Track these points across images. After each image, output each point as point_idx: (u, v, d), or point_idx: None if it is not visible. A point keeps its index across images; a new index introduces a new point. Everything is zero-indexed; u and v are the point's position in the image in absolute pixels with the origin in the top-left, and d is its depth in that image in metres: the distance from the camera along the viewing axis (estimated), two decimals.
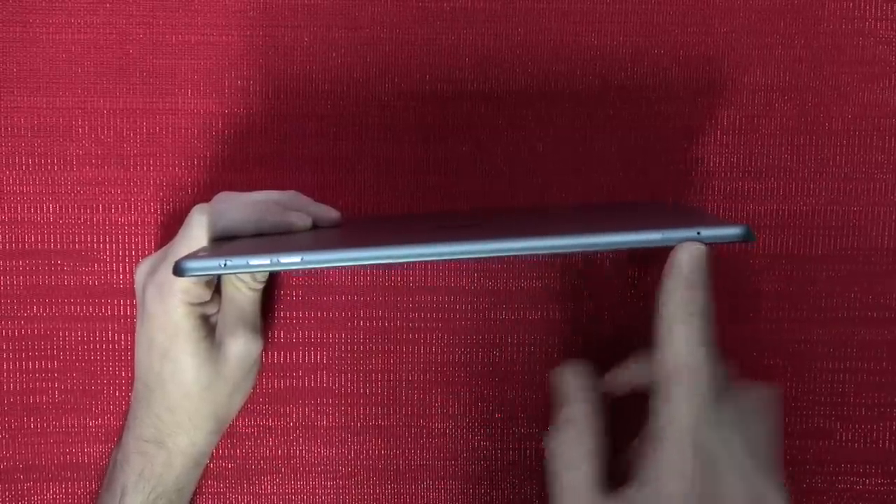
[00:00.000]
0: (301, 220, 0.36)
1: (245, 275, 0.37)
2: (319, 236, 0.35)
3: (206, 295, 0.37)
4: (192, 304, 0.36)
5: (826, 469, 0.44)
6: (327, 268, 0.30)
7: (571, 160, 0.43)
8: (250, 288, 0.38)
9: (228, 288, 0.38)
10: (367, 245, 0.28)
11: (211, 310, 0.38)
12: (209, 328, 0.37)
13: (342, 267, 0.29)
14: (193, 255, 0.30)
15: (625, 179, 0.43)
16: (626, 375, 0.36)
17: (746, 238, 0.29)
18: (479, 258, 0.28)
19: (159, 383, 0.37)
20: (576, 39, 0.42)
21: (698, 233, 0.29)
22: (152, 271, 0.37)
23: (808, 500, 0.44)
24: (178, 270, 0.29)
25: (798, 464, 0.44)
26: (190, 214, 0.36)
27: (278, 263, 0.29)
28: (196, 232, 0.35)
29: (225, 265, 0.29)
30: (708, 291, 0.30)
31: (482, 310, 0.43)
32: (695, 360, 0.30)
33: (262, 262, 0.29)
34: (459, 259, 0.29)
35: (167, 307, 0.36)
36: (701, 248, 0.30)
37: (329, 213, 0.38)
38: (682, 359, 0.30)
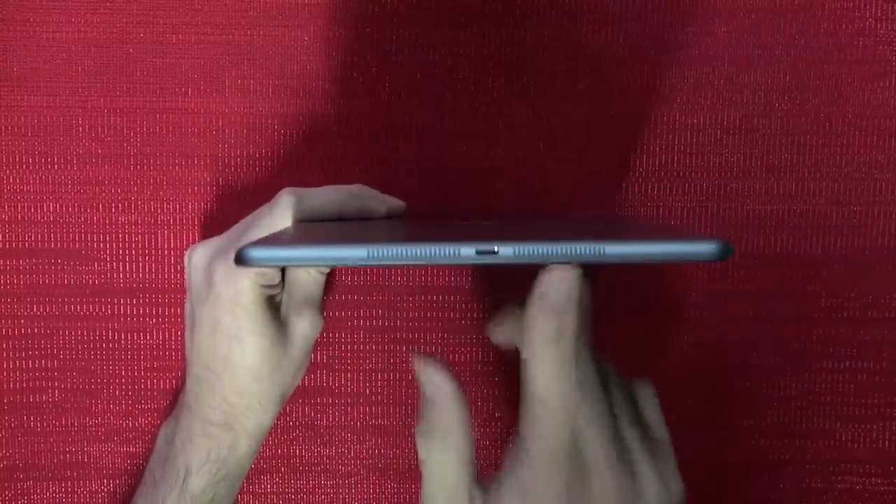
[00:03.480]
0: (380, 206, 0.38)
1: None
2: (386, 231, 0.34)
3: (278, 276, 0.37)
4: (263, 286, 0.36)
5: (826, 469, 0.44)
6: (396, 266, 0.29)
7: (571, 160, 0.43)
8: (320, 272, 0.38)
9: (298, 270, 0.38)
10: (452, 240, 0.27)
11: (276, 290, 0.37)
12: (275, 309, 0.37)
13: (413, 265, 0.28)
14: (260, 243, 0.28)
15: (624, 179, 0.43)
16: (502, 333, 0.36)
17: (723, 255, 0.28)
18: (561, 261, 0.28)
19: (227, 367, 0.36)
20: (576, 39, 0.42)
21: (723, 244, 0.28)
22: (220, 253, 0.36)
23: (808, 500, 0.44)
24: (243, 260, 0.27)
25: (798, 464, 0.44)
26: (277, 196, 0.36)
27: (350, 259, 0.27)
28: (282, 212, 0.35)
29: (295, 257, 0.27)
30: (576, 314, 0.29)
31: (482, 310, 0.43)
32: (563, 386, 0.30)
33: (339, 255, 0.27)
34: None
35: (239, 289, 0.35)
36: (571, 273, 0.29)
37: (397, 202, 0.39)
38: (553, 386, 0.30)
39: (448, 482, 0.31)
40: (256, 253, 0.27)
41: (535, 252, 0.27)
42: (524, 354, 0.30)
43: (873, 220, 0.43)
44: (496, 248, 0.27)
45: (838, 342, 0.43)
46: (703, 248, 0.27)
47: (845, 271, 0.43)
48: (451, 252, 0.27)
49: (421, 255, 0.27)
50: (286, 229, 0.34)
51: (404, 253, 0.27)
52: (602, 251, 0.27)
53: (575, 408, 0.30)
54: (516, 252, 0.27)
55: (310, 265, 0.29)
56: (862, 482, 0.44)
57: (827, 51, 0.42)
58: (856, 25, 0.42)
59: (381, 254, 0.27)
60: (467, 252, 0.27)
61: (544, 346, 0.29)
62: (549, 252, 0.27)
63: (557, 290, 0.29)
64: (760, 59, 0.42)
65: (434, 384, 0.32)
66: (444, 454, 0.31)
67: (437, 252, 0.27)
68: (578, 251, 0.27)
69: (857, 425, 0.44)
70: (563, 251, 0.27)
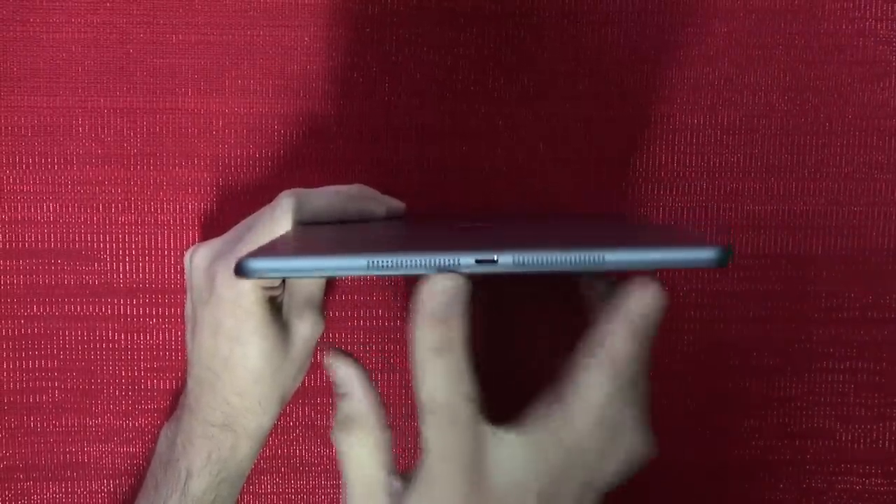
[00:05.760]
0: (379, 208, 0.38)
1: None
2: (385, 236, 0.34)
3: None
4: (265, 288, 0.36)
5: (826, 469, 0.44)
6: (394, 275, 0.30)
7: (571, 160, 0.43)
8: None
9: None
10: (458, 249, 0.28)
11: (277, 292, 0.37)
12: (276, 310, 0.37)
13: (413, 274, 0.28)
14: (259, 254, 0.28)
15: (624, 179, 0.43)
16: None
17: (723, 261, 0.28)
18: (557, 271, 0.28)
19: (228, 368, 0.36)
20: (576, 40, 0.42)
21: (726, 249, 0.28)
22: (221, 255, 0.36)
23: (807, 500, 0.44)
24: (243, 271, 0.27)
25: (798, 464, 0.44)
26: (277, 198, 0.36)
27: (349, 268, 0.28)
28: (282, 215, 0.35)
29: (296, 268, 0.27)
30: (462, 321, 0.28)
31: (482, 310, 0.43)
32: (451, 397, 0.28)
33: (336, 265, 0.28)
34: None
35: (241, 290, 0.35)
36: (453, 281, 0.28)
37: (397, 203, 0.39)
38: (439, 397, 0.28)
39: (364, 472, 0.31)
40: (256, 264, 0.27)
41: (535, 261, 0.27)
42: (414, 368, 0.28)
43: (873, 221, 0.43)
44: (496, 258, 0.27)
45: (838, 342, 0.43)
46: (703, 254, 0.27)
47: (845, 271, 0.43)
48: (451, 262, 0.27)
49: (421, 264, 0.27)
50: (286, 234, 0.34)
51: (404, 263, 0.27)
52: (602, 259, 0.27)
53: (471, 419, 0.28)
54: (515, 261, 0.27)
55: (310, 276, 0.29)
56: (862, 482, 0.44)
57: (827, 51, 0.42)
58: (856, 25, 0.42)
59: (381, 264, 0.27)
60: (467, 261, 0.28)
61: (428, 358, 0.28)
62: (549, 261, 0.27)
63: (438, 298, 0.28)
64: (760, 59, 0.42)
65: (342, 375, 0.32)
66: (358, 444, 0.31)
67: (437, 262, 0.27)
68: (578, 259, 0.27)
69: (857, 425, 0.44)
70: (563, 260, 0.27)
